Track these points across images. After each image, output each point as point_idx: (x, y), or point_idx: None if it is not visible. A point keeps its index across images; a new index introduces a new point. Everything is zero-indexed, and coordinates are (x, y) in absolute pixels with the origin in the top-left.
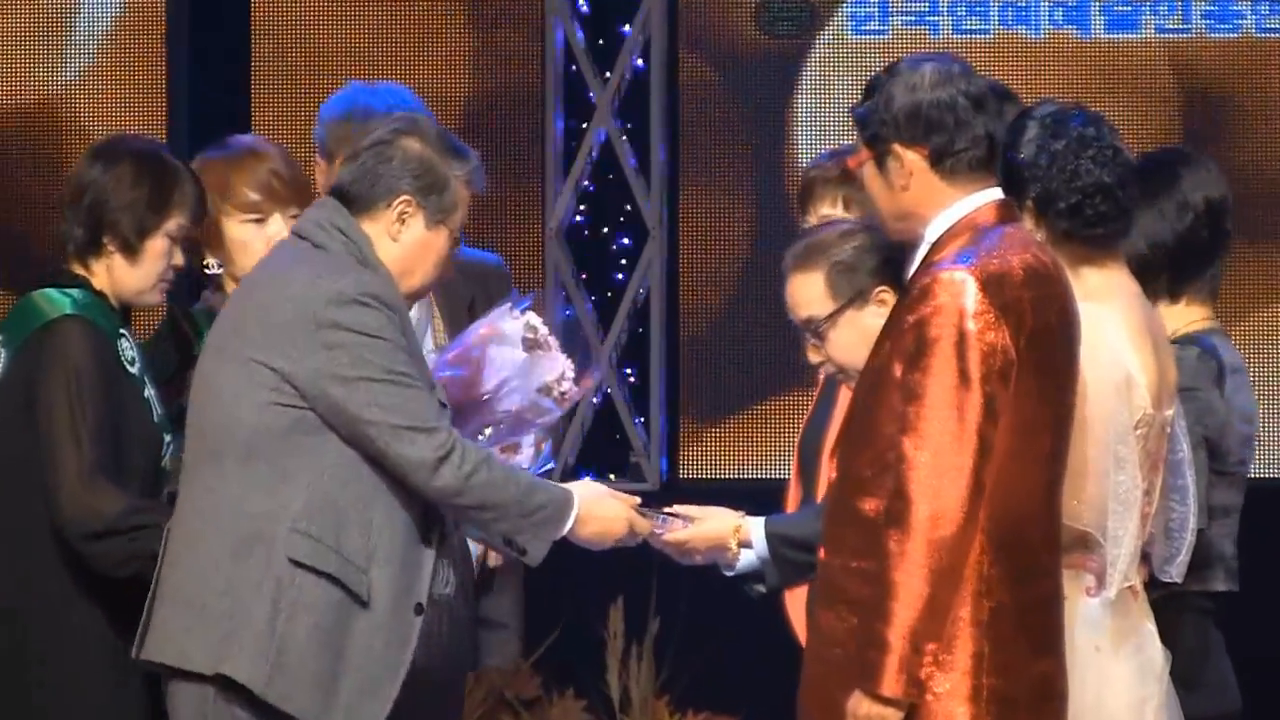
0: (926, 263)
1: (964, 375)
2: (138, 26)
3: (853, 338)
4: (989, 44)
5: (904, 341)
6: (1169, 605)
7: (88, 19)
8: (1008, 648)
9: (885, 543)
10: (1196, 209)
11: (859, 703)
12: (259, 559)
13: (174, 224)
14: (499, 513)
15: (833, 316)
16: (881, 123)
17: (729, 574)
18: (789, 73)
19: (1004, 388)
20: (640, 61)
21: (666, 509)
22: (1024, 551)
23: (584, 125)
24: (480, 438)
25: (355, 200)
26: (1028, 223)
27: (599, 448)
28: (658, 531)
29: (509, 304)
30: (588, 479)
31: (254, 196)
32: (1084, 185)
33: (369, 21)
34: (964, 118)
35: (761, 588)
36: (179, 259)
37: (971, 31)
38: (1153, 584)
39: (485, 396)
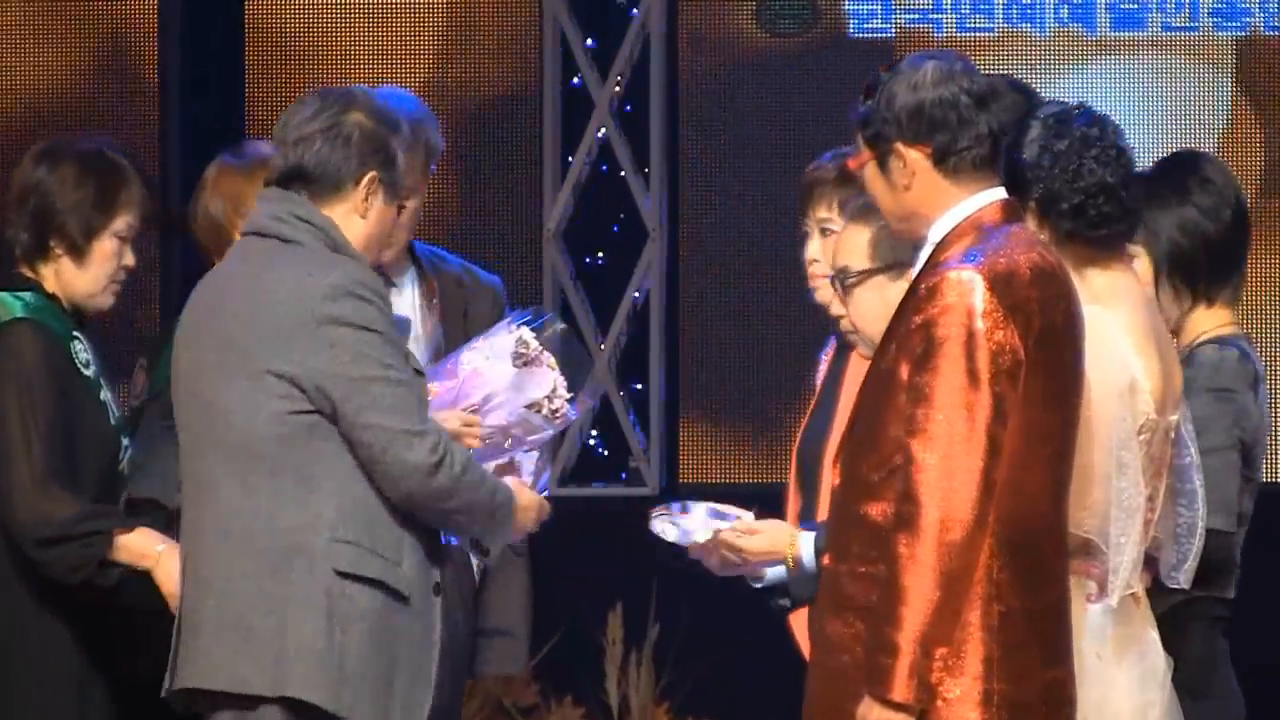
0: (932, 263)
1: (973, 375)
2: (131, 24)
3: (875, 304)
4: (994, 42)
5: (911, 343)
6: (1183, 613)
7: (81, 17)
8: (1018, 653)
9: (894, 547)
10: (1232, 204)
11: (869, 709)
12: (302, 573)
13: (122, 224)
14: (475, 514)
15: (864, 275)
16: (884, 121)
17: (756, 585)
18: (791, 71)
19: (1013, 388)
20: (639, 60)
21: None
22: (1033, 556)
23: (583, 125)
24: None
25: (317, 184)
26: (1031, 224)
27: (598, 452)
28: (720, 526)
29: (506, 320)
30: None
31: None
32: (1087, 185)
33: (366, 20)
34: (967, 116)
35: (786, 602)
36: (130, 259)
37: (976, 29)
38: (1163, 589)
39: (471, 410)
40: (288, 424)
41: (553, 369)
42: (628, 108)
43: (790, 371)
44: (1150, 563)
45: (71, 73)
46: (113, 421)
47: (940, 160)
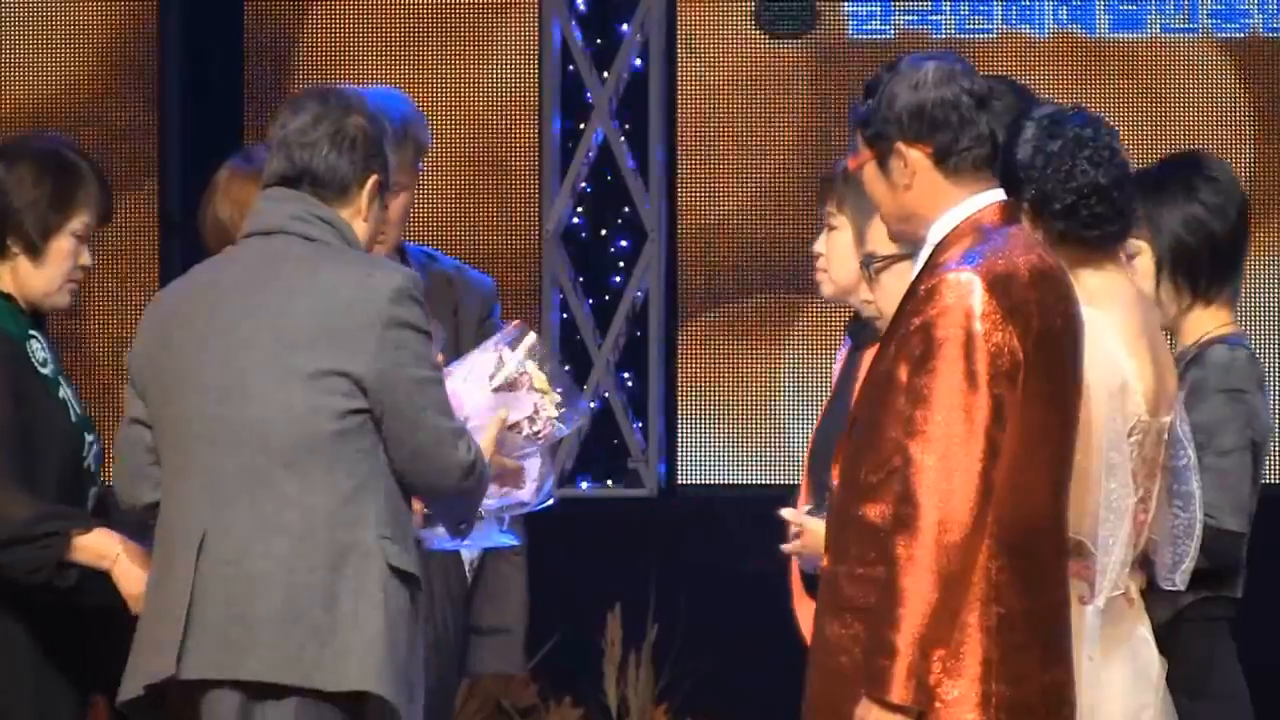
0: (931, 264)
1: (971, 377)
2: (130, 27)
3: (900, 290)
4: (992, 43)
5: (909, 344)
6: (1184, 613)
7: (80, 19)
8: (1017, 655)
9: (892, 548)
10: (1237, 207)
11: (867, 710)
12: (358, 569)
13: (78, 223)
14: (479, 502)
15: (889, 260)
16: (884, 121)
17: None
18: (789, 72)
19: (1012, 390)
20: (638, 61)
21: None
22: (1033, 558)
23: (581, 126)
24: None
25: (326, 187)
26: (1026, 224)
27: (596, 453)
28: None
29: (492, 339)
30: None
31: None
32: (1079, 186)
33: (364, 21)
34: (968, 116)
35: None
36: (86, 259)
37: (975, 30)
38: (1160, 592)
39: None
40: (346, 421)
41: (537, 389)
42: (627, 109)
43: (789, 373)
44: (1144, 564)
45: (71, 76)
46: (73, 419)
47: (941, 160)
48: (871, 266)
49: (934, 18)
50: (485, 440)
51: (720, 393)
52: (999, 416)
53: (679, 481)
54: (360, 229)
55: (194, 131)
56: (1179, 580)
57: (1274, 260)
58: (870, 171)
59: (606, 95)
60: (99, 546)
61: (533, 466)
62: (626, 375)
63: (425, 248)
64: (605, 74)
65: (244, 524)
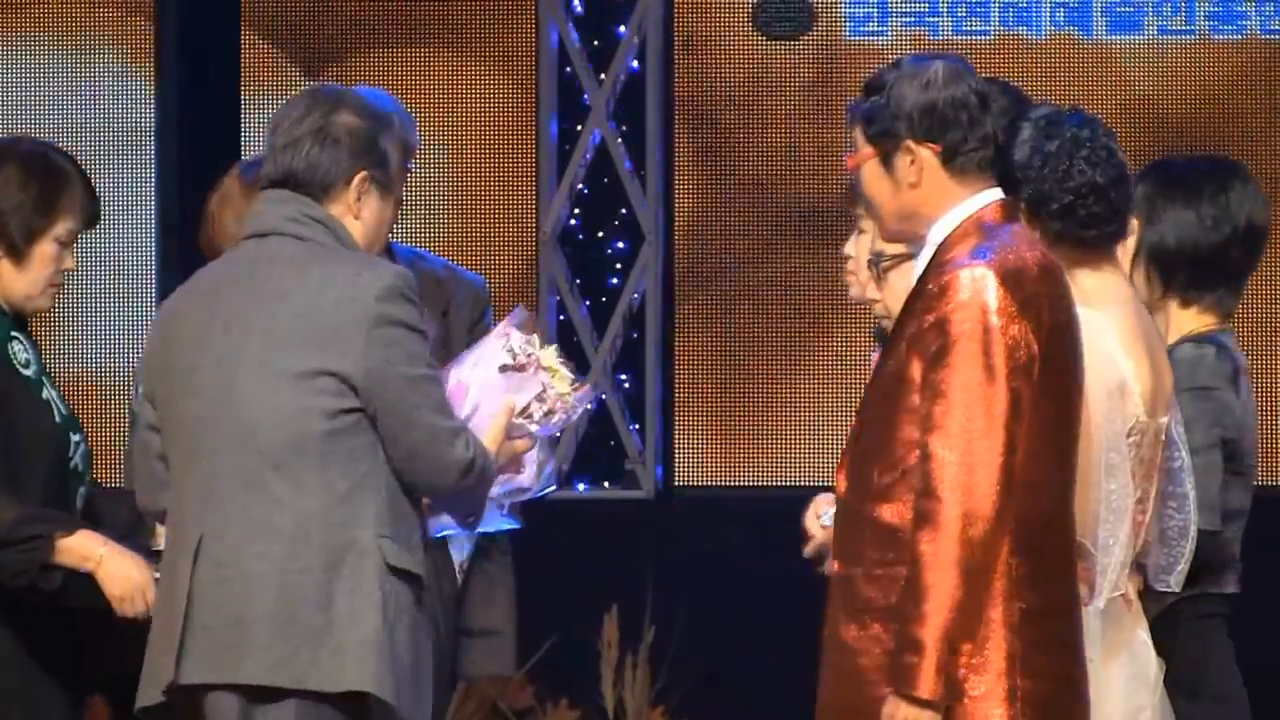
0: (937, 262)
1: (990, 370)
2: (128, 23)
3: (906, 289)
4: (990, 45)
5: (924, 341)
6: (1176, 613)
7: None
8: (1039, 650)
9: (915, 544)
10: (1236, 225)
11: (895, 707)
12: (355, 570)
13: (63, 228)
14: (482, 503)
15: (897, 259)
16: (893, 118)
17: None
18: (787, 74)
19: (1028, 383)
20: (635, 63)
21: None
22: (1048, 554)
23: (578, 127)
24: None
25: (312, 186)
26: (1025, 223)
27: (594, 455)
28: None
29: (500, 326)
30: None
31: None
32: (1076, 186)
33: (362, 23)
34: (976, 116)
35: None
36: (69, 263)
37: (972, 33)
38: (1155, 592)
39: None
40: (337, 421)
41: (545, 368)
42: (624, 110)
43: (786, 374)
44: (1140, 566)
45: (66, 75)
46: (57, 419)
47: (949, 159)
48: (880, 265)
49: (931, 20)
50: (495, 429)
51: (717, 395)
52: (1017, 410)
53: (676, 483)
54: (354, 227)
55: (192, 134)
56: (1173, 582)
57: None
58: (872, 169)
59: (604, 97)
60: (82, 548)
61: (532, 452)
62: (623, 377)
63: (413, 248)
64: (602, 76)
65: (238, 527)
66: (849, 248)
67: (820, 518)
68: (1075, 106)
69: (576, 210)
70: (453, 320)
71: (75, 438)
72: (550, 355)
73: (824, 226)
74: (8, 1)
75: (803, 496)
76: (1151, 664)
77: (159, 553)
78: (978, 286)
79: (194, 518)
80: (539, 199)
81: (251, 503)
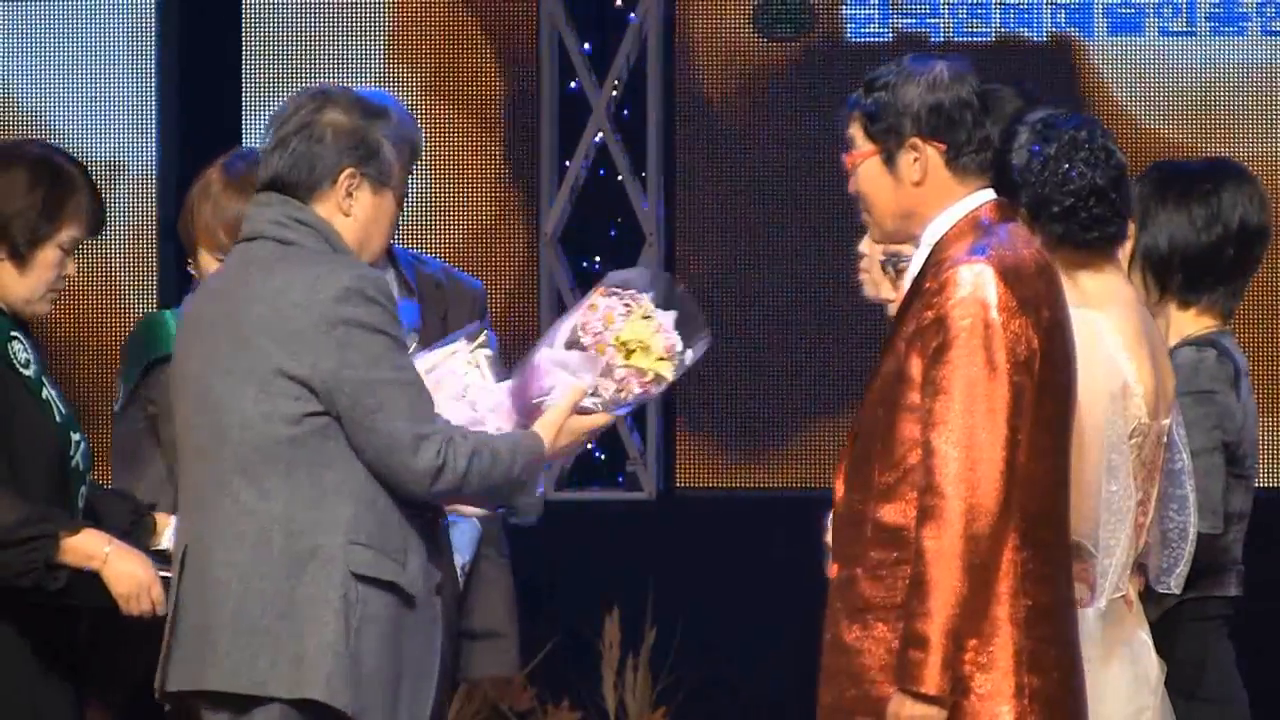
0: (935, 262)
1: (991, 365)
2: (127, 24)
3: None
4: (990, 47)
5: (924, 339)
6: (1176, 615)
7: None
8: (1044, 646)
9: (919, 541)
10: (1228, 226)
11: (900, 704)
12: (318, 575)
13: (67, 235)
14: (494, 494)
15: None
16: (899, 115)
17: None
18: (787, 76)
19: (1030, 379)
20: (636, 65)
21: None
22: (1050, 550)
23: (580, 129)
24: None
25: (297, 187)
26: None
27: (595, 456)
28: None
29: (574, 307)
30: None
31: (224, 239)
32: (1076, 189)
33: (363, 24)
34: (978, 117)
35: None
36: (71, 269)
37: (973, 34)
38: (1155, 594)
39: (539, 400)
40: (302, 425)
41: (619, 345)
42: (625, 112)
43: (787, 376)
44: (1141, 567)
45: (68, 73)
46: (58, 419)
47: (953, 158)
48: (897, 266)
49: (932, 21)
50: (556, 415)
51: (719, 396)
52: (1019, 405)
53: (677, 485)
54: (346, 225)
55: (192, 135)
56: (1174, 584)
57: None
58: (873, 167)
59: (604, 98)
60: (87, 547)
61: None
62: None
63: (413, 251)
64: (603, 77)
65: (209, 533)
66: (863, 246)
67: None
68: (1071, 109)
69: (577, 212)
70: (451, 324)
71: (76, 436)
72: (638, 326)
73: (825, 228)
74: None
75: (804, 498)
76: (1153, 665)
77: (160, 552)
78: (978, 282)
79: (182, 526)
80: (540, 200)
81: (221, 508)
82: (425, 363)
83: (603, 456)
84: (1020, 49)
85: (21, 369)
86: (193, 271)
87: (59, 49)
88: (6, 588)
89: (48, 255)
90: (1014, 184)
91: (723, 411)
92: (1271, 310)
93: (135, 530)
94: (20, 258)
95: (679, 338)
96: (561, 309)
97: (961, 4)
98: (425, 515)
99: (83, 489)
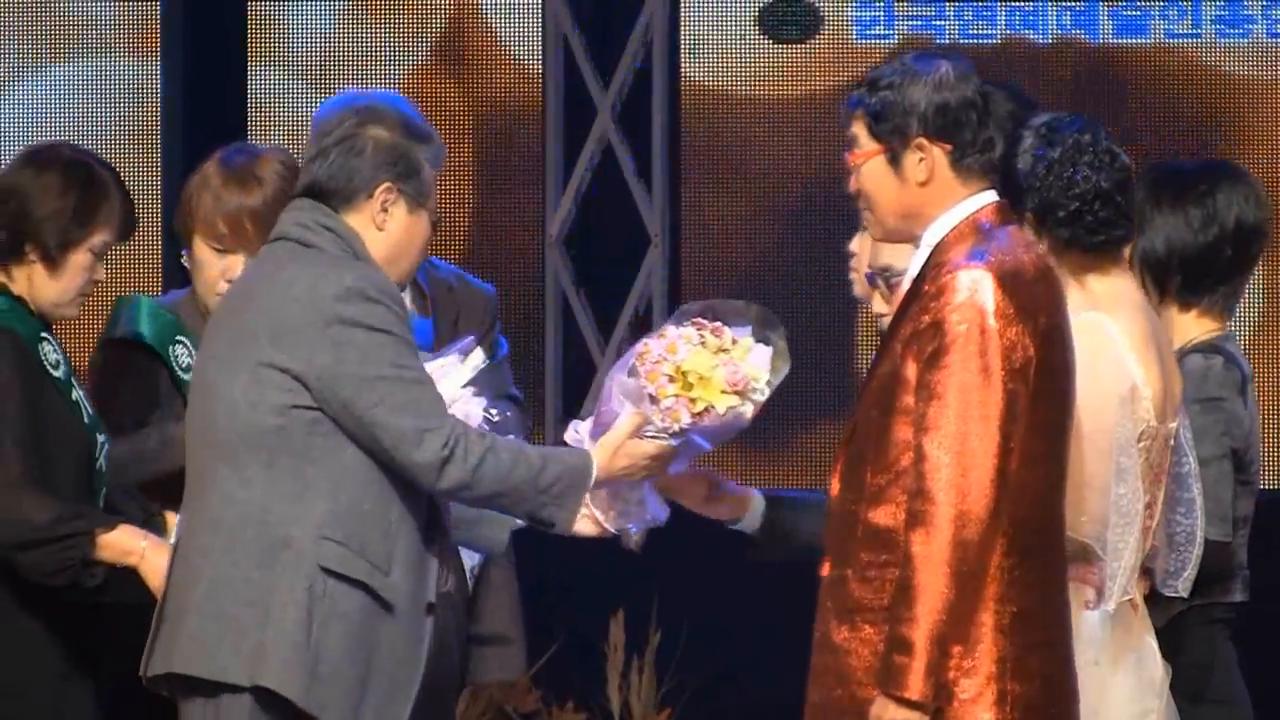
0: (934, 264)
1: (986, 372)
2: (131, 28)
3: None
4: (995, 48)
5: (920, 343)
6: (1183, 618)
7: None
8: (1029, 653)
9: (908, 546)
10: (1224, 226)
11: (884, 708)
12: (288, 567)
13: (98, 240)
14: (514, 496)
15: (906, 273)
16: (905, 115)
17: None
18: (793, 78)
19: (1024, 386)
20: (642, 66)
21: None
22: (1041, 556)
23: (585, 130)
24: None
25: (333, 196)
26: (1029, 233)
27: None
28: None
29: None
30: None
31: (222, 230)
32: (1082, 192)
33: (365, 24)
34: (983, 118)
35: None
36: (100, 274)
37: (978, 36)
38: (1161, 598)
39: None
40: (288, 417)
41: (678, 375)
42: (630, 114)
43: (790, 377)
44: (1147, 571)
45: (74, 77)
46: (85, 420)
47: (959, 159)
48: (889, 280)
49: (937, 23)
50: (614, 437)
51: None
52: (1013, 412)
53: None
54: (375, 239)
55: (195, 134)
56: (1181, 587)
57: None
58: (877, 166)
59: (609, 100)
60: (124, 543)
61: (633, 491)
62: None
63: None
64: (609, 78)
65: (191, 519)
66: (853, 244)
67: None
68: (1075, 112)
69: (582, 213)
70: (462, 329)
71: (100, 438)
72: (701, 358)
73: (830, 230)
74: None
75: (805, 499)
76: (1158, 668)
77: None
78: (975, 288)
79: (181, 512)
80: (545, 202)
81: (205, 495)
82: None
83: None
84: (1025, 51)
85: (52, 370)
86: (186, 264)
87: (67, 64)
88: (36, 586)
89: (79, 259)
90: (1020, 189)
91: None
92: (1271, 310)
93: (148, 529)
94: (51, 260)
95: (763, 372)
96: (566, 310)
97: (967, 5)
98: (421, 532)
99: (104, 490)
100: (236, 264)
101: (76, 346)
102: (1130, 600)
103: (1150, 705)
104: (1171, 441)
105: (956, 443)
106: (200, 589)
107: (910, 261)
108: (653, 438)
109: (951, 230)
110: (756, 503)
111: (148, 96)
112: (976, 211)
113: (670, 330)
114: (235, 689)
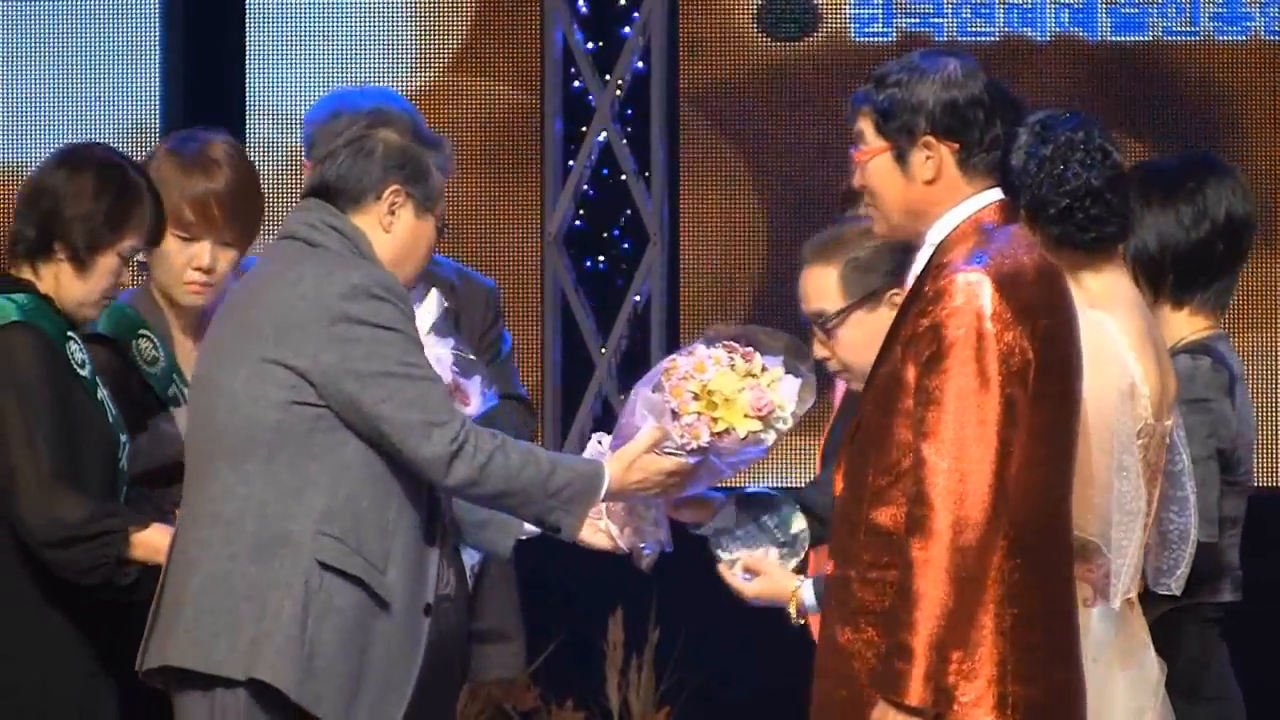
0: (935, 265)
1: (983, 377)
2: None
3: (861, 337)
4: (994, 47)
5: (919, 346)
6: (1177, 616)
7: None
8: (1032, 655)
9: (907, 551)
10: (1215, 221)
11: (884, 713)
12: (285, 561)
13: (127, 244)
14: (521, 497)
15: (843, 314)
16: (913, 113)
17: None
18: (791, 75)
19: (1023, 390)
20: (640, 64)
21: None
22: (1044, 557)
23: (583, 129)
24: None
25: (341, 196)
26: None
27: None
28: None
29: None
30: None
31: (189, 217)
32: (1072, 189)
33: (365, 25)
34: (989, 116)
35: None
36: (126, 278)
37: (977, 34)
38: (1153, 596)
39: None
40: (289, 413)
41: (689, 396)
42: (629, 112)
43: None
44: (1141, 569)
45: (74, 72)
46: (110, 420)
47: (966, 158)
48: (825, 325)
49: (936, 21)
50: (631, 449)
51: None
52: (1011, 417)
53: None
54: (382, 240)
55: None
56: (1174, 585)
57: (1264, 264)
58: (883, 163)
59: (608, 97)
60: (158, 541)
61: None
62: (628, 378)
63: None
64: (607, 76)
65: (190, 511)
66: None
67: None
68: (1072, 109)
69: (581, 212)
70: (465, 325)
71: (123, 438)
72: (727, 379)
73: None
74: None
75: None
76: (1154, 666)
77: None
78: (973, 292)
79: (181, 506)
80: (544, 200)
81: (204, 489)
82: None
83: None
84: (1024, 49)
85: (79, 369)
86: (143, 258)
87: (61, 48)
88: (65, 584)
89: (107, 262)
90: (1013, 186)
91: None
92: (1271, 310)
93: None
94: (80, 262)
95: (790, 403)
96: (565, 309)
97: (965, 3)
98: (420, 534)
99: (125, 490)
100: (203, 251)
101: None
102: (1128, 598)
103: (1146, 703)
104: (1166, 440)
105: (954, 449)
106: (197, 582)
107: (841, 300)
108: (671, 454)
109: (955, 229)
110: (719, 504)
111: (146, 79)
112: (980, 211)
113: (700, 349)
114: (230, 683)
